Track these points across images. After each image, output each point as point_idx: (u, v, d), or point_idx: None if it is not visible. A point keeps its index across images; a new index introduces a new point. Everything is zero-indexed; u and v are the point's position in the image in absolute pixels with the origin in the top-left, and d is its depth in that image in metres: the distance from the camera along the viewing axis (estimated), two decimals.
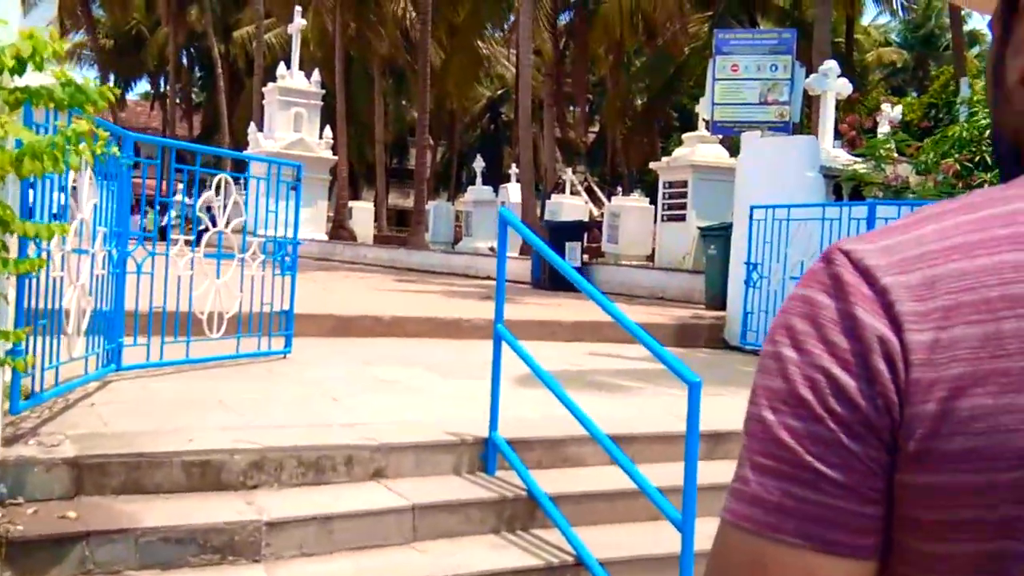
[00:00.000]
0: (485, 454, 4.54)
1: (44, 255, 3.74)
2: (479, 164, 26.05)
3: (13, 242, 3.53)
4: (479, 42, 30.92)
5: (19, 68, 3.49)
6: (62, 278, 4.21)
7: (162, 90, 48.45)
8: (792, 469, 0.59)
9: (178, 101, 47.90)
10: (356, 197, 42.04)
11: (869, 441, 0.58)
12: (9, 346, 3.51)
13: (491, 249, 16.51)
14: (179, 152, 5.69)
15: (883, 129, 12.85)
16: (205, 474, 3.82)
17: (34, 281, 3.86)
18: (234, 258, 6.03)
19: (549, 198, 21.84)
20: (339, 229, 28.00)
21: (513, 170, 23.53)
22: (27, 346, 3.79)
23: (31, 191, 3.87)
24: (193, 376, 5.48)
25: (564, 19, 31.47)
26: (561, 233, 14.60)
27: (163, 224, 7.02)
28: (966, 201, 0.61)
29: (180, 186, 6.11)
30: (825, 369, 0.59)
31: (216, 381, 5.38)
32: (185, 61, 47.97)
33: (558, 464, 4.74)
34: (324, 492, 4.02)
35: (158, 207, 6.49)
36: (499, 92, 50.15)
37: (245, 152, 29.25)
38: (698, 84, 25.50)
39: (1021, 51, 0.66)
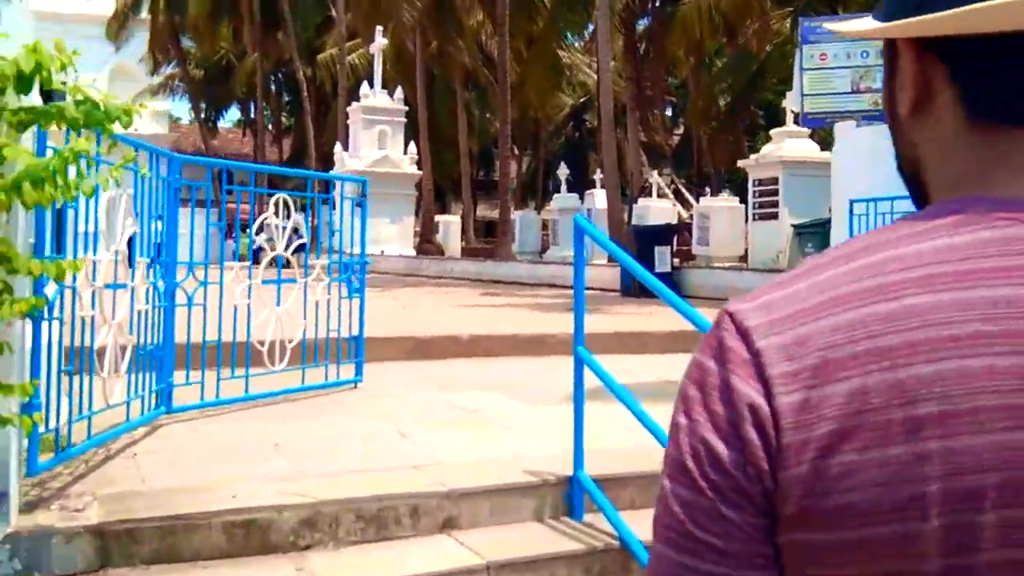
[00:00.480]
0: (570, 494, 3.99)
1: (46, 294, 3.32)
2: (563, 171, 25.54)
3: (27, 281, 3.14)
4: (559, 51, 30.44)
5: (22, 86, 3.11)
6: (93, 317, 3.81)
7: (252, 116, 49.26)
8: (683, 540, 0.61)
9: (268, 127, 48.72)
10: (444, 211, 41.96)
11: (745, 508, 0.59)
12: (21, 401, 3.10)
13: None
14: (272, 177, 5.30)
15: None
16: (249, 536, 3.36)
17: (56, 324, 3.47)
18: (296, 283, 5.61)
19: (636, 202, 21.16)
20: (426, 243, 27.83)
21: (598, 176, 22.93)
22: (50, 396, 3.39)
23: (49, 221, 3.48)
24: (251, 416, 5.07)
25: (644, 24, 30.75)
26: (649, 238, 13.94)
27: (256, 247, 6.62)
28: (845, 251, 0.63)
29: (272, 208, 5.69)
30: (704, 438, 0.61)
31: (275, 421, 4.96)
32: (273, 87, 48.70)
33: (655, 504, 4.14)
34: (386, 550, 3.52)
35: (252, 231, 6.08)
36: (582, 99, 49.54)
37: (331, 172, 29.47)
38: (782, 80, 24.47)
39: (906, 86, 0.68)
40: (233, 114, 56.61)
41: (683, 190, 25.82)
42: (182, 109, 54.36)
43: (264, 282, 5.38)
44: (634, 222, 18.20)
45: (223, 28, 42.16)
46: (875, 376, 0.57)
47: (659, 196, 22.44)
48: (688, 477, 0.61)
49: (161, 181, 4.64)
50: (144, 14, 42.13)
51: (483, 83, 36.70)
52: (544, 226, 27.14)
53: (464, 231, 32.40)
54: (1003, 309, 0.57)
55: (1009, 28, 0.61)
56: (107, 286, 3.94)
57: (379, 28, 27.11)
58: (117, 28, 42.09)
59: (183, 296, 4.92)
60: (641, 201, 20.93)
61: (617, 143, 21.98)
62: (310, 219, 6.08)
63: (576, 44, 39.67)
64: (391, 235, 27.20)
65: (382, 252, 26.43)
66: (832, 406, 0.57)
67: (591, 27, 29.59)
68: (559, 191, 27.29)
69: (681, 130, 47.46)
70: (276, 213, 5.44)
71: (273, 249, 5.42)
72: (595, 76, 36.52)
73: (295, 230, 5.58)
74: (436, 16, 27.13)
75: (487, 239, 40.14)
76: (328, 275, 5.85)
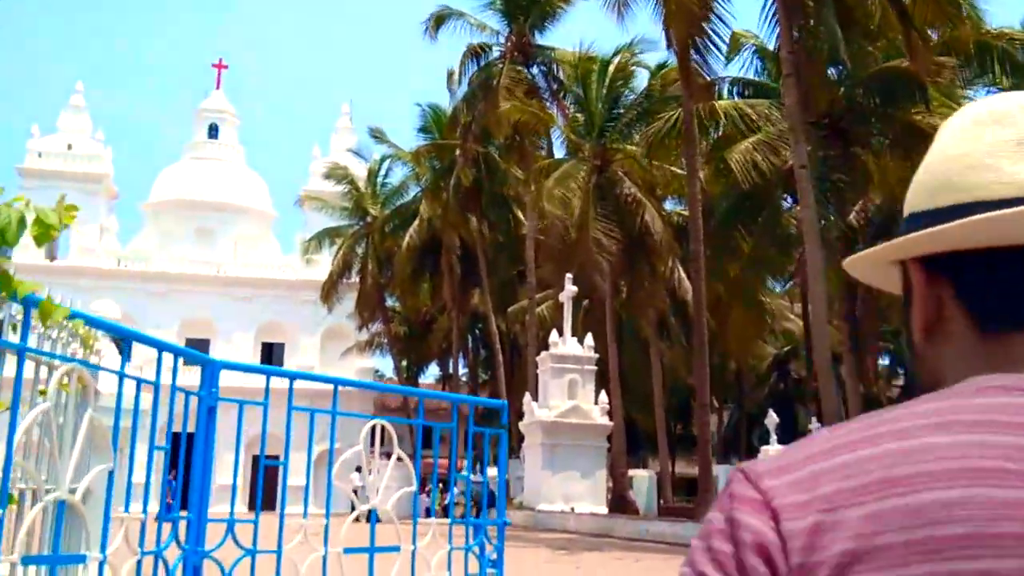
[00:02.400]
0: None
1: None
2: (772, 420, 23.00)
3: None
4: (761, 296, 28.76)
5: None
6: None
7: (450, 371, 49.67)
8: None
9: (467, 381, 48.88)
10: (641, 466, 39.44)
11: None
12: None
13: None
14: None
15: None
16: None
17: None
18: (399, 551, 3.86)
19: None
20: (619, 500, 25.49)
21: (814, 426, 20.32)
22: None
23: None
24: None
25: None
26: None
27: (445, 503, 5.06)
28: (861, 419, 0.66)
29: (463, 462, 4.19)
30: (703, 574, 0.62)
31: None
32: (470, 341, 49.20)
33: None
34: None
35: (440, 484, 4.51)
36: (785, 348, 47.04)
37: (521, 424, 28.30)
38: None
39: (918, 309, 0.73)
40: (434, 370, 57.55)
41: None
42: (387, 365, 56.03)
43: (348, 550, 3.65)
44: None
45: (424, 285, 43.45)
46: (891, 501, 0.59)
47: None
48: None
49: (184, 394, 3.12)
50: (354, 277, 44.28)
51: (676, 332, 35.28)
52: None
53: (661, 488, 29.82)
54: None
55: (994, 243, 0.67)
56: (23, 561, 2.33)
57: (568, 276, 26.52)
58: (328, 290, 44.27)
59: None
60: None
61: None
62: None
63: (775, 288, 37.87)
64: (582, 491, 25.15)
65: (572, 509, 24.36)
66: (846, 528, 0.58)
67: (792, 269, 27.93)
68: (767, 444, 24.64)
69: (901, 380, 43.70)
70: (372, 447, 3.79)
71: (366, 499, 3.74)
72: (799, 322, 34.31)
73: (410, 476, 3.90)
74: (628, 261, 26.28)
75: (687, 498, 37.07)
76: (449, 540, 4.05)
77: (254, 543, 3.42)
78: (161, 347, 2.86)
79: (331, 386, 3.89)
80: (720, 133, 23.76)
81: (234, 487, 3.93)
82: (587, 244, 24.20)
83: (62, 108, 50.03)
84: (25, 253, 46.68)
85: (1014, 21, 24.75)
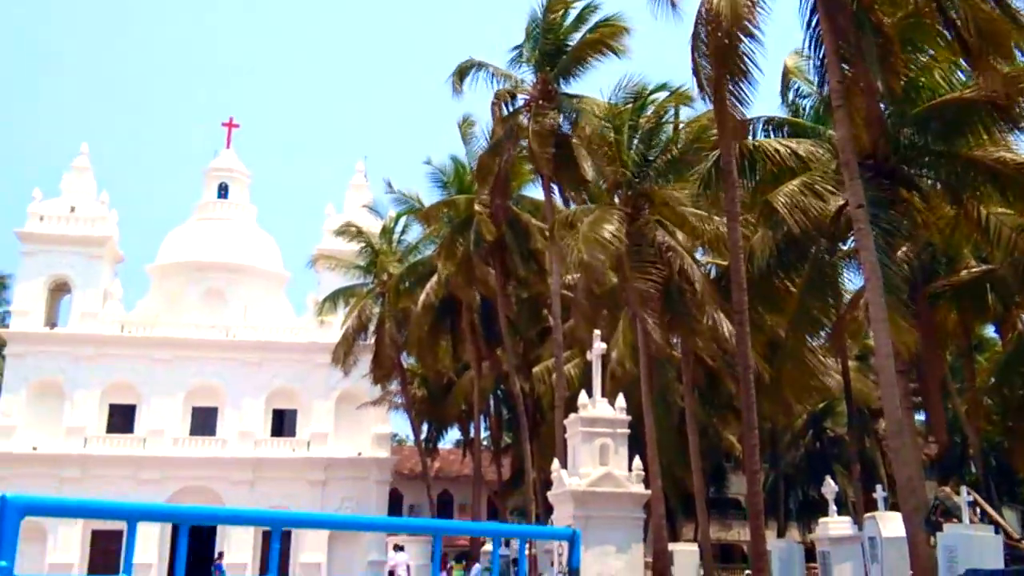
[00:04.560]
0: None
1: None
2: (830, 489, 20.89)
3: None
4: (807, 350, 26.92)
5: None
6: None
7: (472, 435, 47.56)
8: None
9: (489, 445, 46.73)
10: (675, 535, 37.25)
11: None
12: None
13: None
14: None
15: None
16: None
17: None
18: None
19: (939, 529, 16.22)
20: None
21: (879, 494, 18.27)
22: None
23: None
24: None
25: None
26: None
27: None
28: None
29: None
30: None
31: None
32: (492, 404, 47.11)
33: None
34: None
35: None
36: (820, 405, 44.89)
37: (549, 493, 26.41)
38: None
39: None
40: (454, 434, 55.27)
41: (987, 508, 20.35)
42: (405, 427, 53.81)
43: None
44: (948, 559, 13.43)
45: (443, 343, 41.58)
46: None
47: (971, 521, 17.34)
48: None
49: None
50: (369, 338, 42.44)
51: (706, 389, 33.34)
52: (808, 557, 22.16)
53: (702, 560, 27.64)
54: None
55: None
56: None
57: (597, 332, 24.78)
58: (343, 353, 42.42)
59: None
60: (949, 529, 15.93)
61: (881, 451, 17.64)
62: None
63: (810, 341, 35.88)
64: (619, 567, 23.03)
65: None
66: None
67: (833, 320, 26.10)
68: (814, 512, 22.59)
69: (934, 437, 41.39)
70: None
71: None
72: (838, 376, 32.38)
73: None
74: (665, 314, 24.52)
75: (723, 567, 34.78)
76: None
77: None
78: None
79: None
80: (757, 177, 22.21)
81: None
82: (624, 295, 22.50)
83: (65, 171, 48.34)
84: (23, 320, 44.82)
85: None
